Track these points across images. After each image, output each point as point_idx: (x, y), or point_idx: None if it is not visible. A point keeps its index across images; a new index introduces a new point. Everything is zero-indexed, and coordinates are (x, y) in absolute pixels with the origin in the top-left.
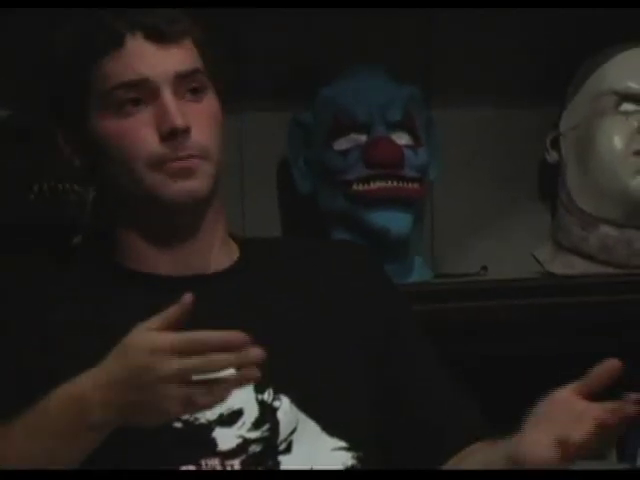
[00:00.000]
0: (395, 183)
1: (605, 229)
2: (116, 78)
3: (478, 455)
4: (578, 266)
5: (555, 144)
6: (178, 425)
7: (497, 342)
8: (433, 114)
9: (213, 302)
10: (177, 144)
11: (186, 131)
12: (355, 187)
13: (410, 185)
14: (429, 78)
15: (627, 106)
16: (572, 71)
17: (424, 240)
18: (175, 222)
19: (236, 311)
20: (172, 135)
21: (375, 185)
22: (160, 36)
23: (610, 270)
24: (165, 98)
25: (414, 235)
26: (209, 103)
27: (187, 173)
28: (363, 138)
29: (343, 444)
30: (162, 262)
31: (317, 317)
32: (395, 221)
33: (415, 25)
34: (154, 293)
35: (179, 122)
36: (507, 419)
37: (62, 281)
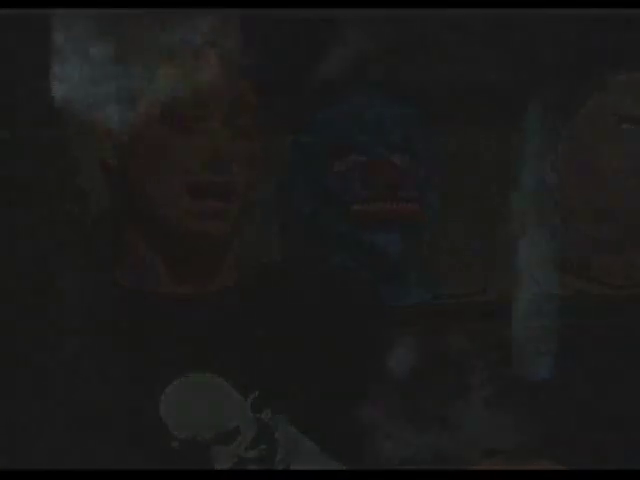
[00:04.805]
0: (394, 204)
1: (605, 250)
2: (178, 90)
3: None
4: (577, 287)
5: (555, 165)
6: (175, 444)
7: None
8: (432, 135)
9: (213, 320)
10: (217, 174)
11: (229, 164)
12: (355, 208)
13: (409, 206)
14: (428, 99)
15: (628, 128)
16: (574, 92)
17: (423, 261)
18: (188, 251)
19: (235, 329)
20: (215, 165)
21: (374, 206)
22: (236, 64)
23: (610, 292)
24: (218, 127)
25: (413, 256)
26: (255, 144)
27: (216, 215)
28: (362, 159)
29: (340, 466)
30: (165, 279)
31: (316, 337)
32: (394, 242)
33: (414, 46)
34: (155, 310)
35: (226, 154)
36: None
37: (62, 294)
